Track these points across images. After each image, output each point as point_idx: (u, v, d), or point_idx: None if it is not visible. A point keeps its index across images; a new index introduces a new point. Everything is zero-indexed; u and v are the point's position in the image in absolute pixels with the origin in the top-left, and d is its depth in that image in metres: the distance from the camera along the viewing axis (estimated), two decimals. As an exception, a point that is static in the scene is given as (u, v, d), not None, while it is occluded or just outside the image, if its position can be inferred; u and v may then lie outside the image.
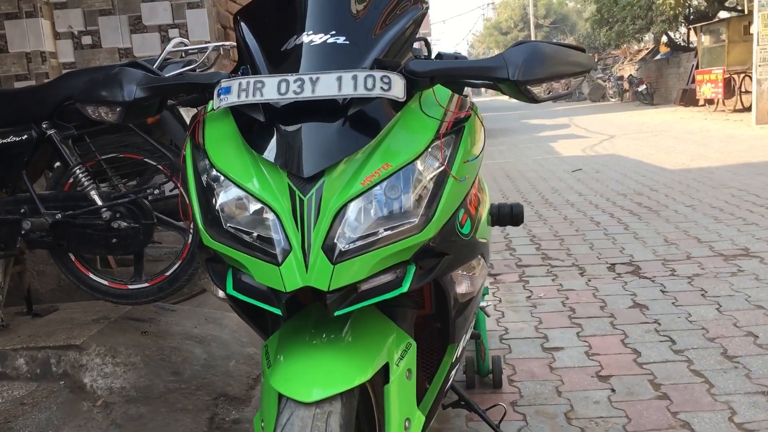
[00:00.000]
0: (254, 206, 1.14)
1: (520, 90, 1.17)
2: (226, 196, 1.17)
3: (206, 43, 3.51)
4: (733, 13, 19.80)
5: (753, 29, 13.85)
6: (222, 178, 1.18)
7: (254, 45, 1.26)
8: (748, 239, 4.39)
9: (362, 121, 1.16)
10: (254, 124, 1.19)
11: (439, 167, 1.17)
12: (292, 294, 1.10)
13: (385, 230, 1.11)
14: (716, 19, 19.62)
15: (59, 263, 2.88)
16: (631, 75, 25.77)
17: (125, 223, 2.76)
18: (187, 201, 1.30)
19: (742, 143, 9.77)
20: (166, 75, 2.74)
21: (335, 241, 1.10)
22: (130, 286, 2.87)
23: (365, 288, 1.14)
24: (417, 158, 1.15)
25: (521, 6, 56.96)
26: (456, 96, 1.31)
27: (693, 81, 18.52)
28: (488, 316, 2.43)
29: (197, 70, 2.74)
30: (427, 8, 1.33)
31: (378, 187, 1.12)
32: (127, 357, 2.60)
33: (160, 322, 2.96)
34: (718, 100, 16.87)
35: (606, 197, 6.31)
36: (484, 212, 1.46)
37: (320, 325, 1.23)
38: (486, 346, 2.51)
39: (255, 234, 1.13)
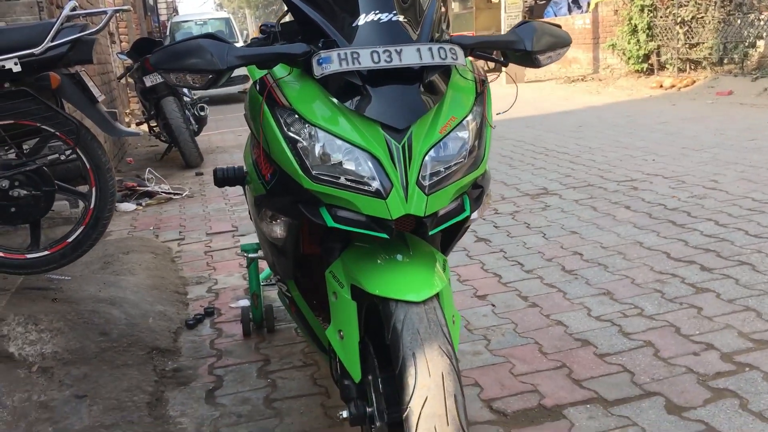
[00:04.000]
0: (355, 153, 1.40)
1: (531, 58, 1.57)
2: (326, 146, 1.42)
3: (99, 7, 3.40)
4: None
5: (498, -2, 15.52)
6: (319, 131, 1.42)
7: (323, 21, 1.49)
8: (543, 180, 5.24)
9: (431, 84, 1.47)
10: (342, 88, 1.44)
11: (481, 118, 1.53)
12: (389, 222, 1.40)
13: (458, 167, 1.45)
14: (463, -13, 21.41)
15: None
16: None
17: (25, 191, 2.72)
18: (264, 154, 1.51)
19: (499, 101, 11.01)
20: (64, 39, 2.74)
21: (425, 178, 1.41)
22: (29, 256, 2.84)
23: (441, 214, 1.47)
24: (470, 112, 1.49)
25: (271, -35, 56.67)
26: (475, 64, 1.66)
27: (444, 44, 20.12)
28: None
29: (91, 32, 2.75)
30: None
31: (450, 135, 1.45)
32: (49, 323, 2.60)
33: (63, 290, 2.94)
34: (468, 61, 18.58)
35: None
36: None
37: (386, 249, 1.53)
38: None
39: (357, 175, 1.40)
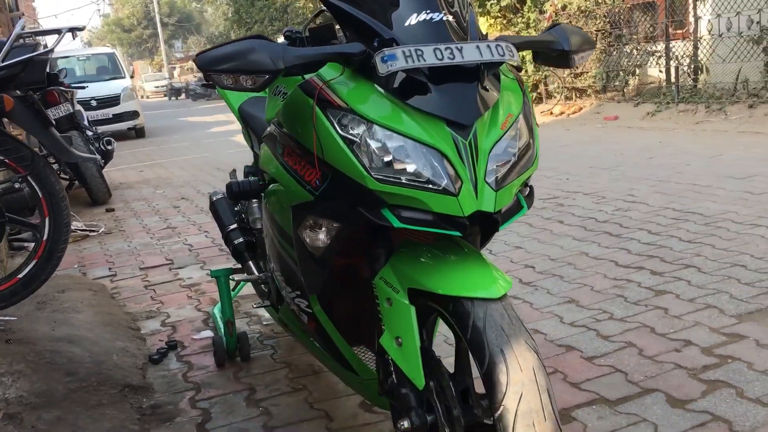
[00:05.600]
0: (422, 149, 1.37)
1: (567, 57, 1.60)
2: (390, 144, 1.37)
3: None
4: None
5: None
6: (382, 129, 1.37)
7: (375, 23, 1.46)
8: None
9: (488, 82, 1.47)
10: (399, 87, 1.40)
11: (530, 115, 1.54)
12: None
13: (518, 164, 1.45)
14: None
15: None
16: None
17: (-29, 224, 2.50)
18: (317, 159, 1.45)
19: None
20: (16, 59, 2.57)
21: (490, 174, 1.40)
22: (-26, 294, 2.58)
23: (503, 211, 1.46)
24: (521, 110, 1.50)
25: (143, 3, 55.33)
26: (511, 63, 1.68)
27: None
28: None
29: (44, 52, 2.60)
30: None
31: (509, 131, 1.45)
32: (9, 366, 2.37)
33: (14, 330, 2.68)
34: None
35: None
36: None
37: (440, 250, 1.50)
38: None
39: (425, 173, 1.36)
